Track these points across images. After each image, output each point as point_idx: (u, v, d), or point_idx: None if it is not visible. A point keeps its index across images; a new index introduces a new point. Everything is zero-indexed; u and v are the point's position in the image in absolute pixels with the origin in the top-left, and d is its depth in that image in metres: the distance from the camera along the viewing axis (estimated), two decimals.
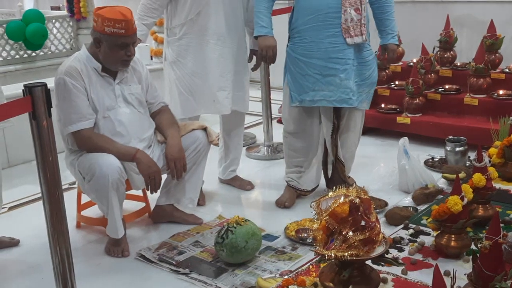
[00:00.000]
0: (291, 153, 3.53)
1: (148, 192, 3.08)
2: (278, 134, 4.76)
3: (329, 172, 3.59)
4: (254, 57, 3.76)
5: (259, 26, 3.29)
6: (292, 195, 3.55)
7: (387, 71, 5.01)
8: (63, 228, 2.30)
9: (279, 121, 5.33)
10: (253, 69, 3.80)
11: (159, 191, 3.06)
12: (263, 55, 3.31)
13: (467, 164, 3.87)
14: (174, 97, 3.52)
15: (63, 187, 2.38)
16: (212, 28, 3.42)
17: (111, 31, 2.84)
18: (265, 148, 4.61)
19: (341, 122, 3.43)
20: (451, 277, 2.19)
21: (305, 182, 3.54)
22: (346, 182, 3.48)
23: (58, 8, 8.10)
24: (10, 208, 3.71)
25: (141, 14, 3.39)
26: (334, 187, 2.25)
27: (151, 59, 5.66)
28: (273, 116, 4.81)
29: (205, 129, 3.25)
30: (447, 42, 4.81)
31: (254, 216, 3.15)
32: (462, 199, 2.64)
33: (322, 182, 3.64)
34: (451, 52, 4.88)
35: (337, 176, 3.53)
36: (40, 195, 2.31)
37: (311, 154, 3.50)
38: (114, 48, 2.88)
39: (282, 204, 3.51)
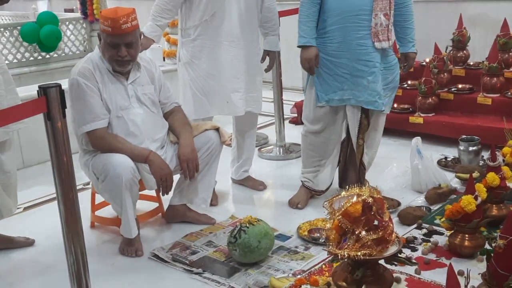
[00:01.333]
0: (310, 153, 3.52)
1: (160, 193, 3.10)
2: (290, 134, 4.78)
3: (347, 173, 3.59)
4: (267, 57, 3.77)
5: (299, 36, 3.27)
6: (306, 196, 3.55)
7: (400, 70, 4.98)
8: (77, 228, 2.33)
9: (291, 122, 5.34)
10: (267, 70, 3.80)
11: (171, 192, 3.08)
12: (302, 67, 3.30)
13: (481, 164, 3.85)
14: (188, 97, 3.53)
15: (78, 187, 2.39)
16: (226, 29, 3.43)
17: (102, 29, 2.89)
18: (278, 148, 4.62)
19: (370, 123, 3.44)
20: (465, 277, 2.17)
21: (320, 182, 3.54)
22: (362, 184, 3.47)
23: (72, 10, 8.14)
24: (25, 209, 3.74)
25: (155, 15, 3.41)
26: (347, 187, 2.24)
27: (164, 60, 5.69)
28: (285, 116, 4.81)
29: (217, 129, 3.26)
30: (460, 41, 4.78)
31: (266, 216, 3.16)
32: (476, 198, 2.63)
33: (334, 181, 3.63)
34: (464, 51, 4.85)
35: (353, 176, 3.53)
36: (54, 195, 2.33)
37: (327, 154, 3.50)
38: (105, 45, 2.92)
39: (295, 204, 3.51)
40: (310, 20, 3.25)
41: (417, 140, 3.64)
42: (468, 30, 4.82)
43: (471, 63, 4.86)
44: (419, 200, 3.41)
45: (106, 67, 2.96)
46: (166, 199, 3.37)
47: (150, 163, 2.92)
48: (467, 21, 4.94)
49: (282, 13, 4.50)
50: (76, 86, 2.88)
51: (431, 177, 3.55)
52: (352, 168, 3.54)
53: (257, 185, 3.87)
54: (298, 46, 3.29)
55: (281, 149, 4.60)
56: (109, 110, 2.95)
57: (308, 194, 3.56)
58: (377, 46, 3.22)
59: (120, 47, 2.89)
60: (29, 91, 4.41)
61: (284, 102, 4.74)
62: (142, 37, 3.11)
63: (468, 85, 4.72)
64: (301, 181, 3.59)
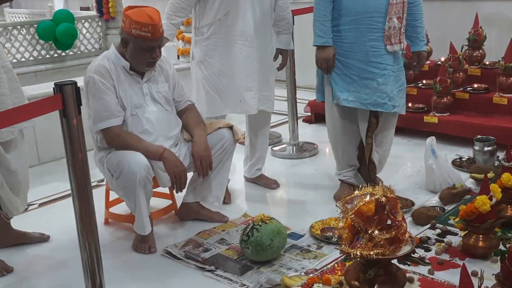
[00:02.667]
0: (342, 153, 3.53)
1: (174, 191, 3.11)
2: (303, 133, 4.78)
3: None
4: (280, 56, 3.78)
5: (316, 35, 3.26)
6: (349, 190, 3.55)
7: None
8: (92, 224, 2.35)
9: (305, 120, 5.34)
10: (279, 69, 3.80)
11: (184, 189, 3.09)
12: (319, 67, 3.30)
13: (496, 164, 3.82)
14: (201, 96, 3.54)
15: (92, 184, 2.41)
16: (240, 28, 3.43)
17: (137, 34, 2.87)
18: (291, 147, 4.62)
19: (379, 122, 3.44)
20: (478, 278, 2.16)
21: (358, 176, 3.57)
22: (375, 182, 3.47)
23: (88, 9, 8.22)
24: (40, 205, 3.78)
25: (169, 13, 3.42)
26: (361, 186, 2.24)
27: (178, 58, 5.71)
28: (298, 115, 4.80)
29: (231, 127, 3.27)
30: (476, 40, 4.75)
31: (279, 215, 3.16)
32: (490, 199, 2.61)
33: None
34: (480, 50, 4.81)
35: (366, 175, 3.52)
36: (69, 192, 2.36)
37: (357, 150, 3.53)
38: (140, 50, 2.91)
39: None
40: (326, 19, 3.24)
41: (431, 139, 3.62)
42: (484, 30, 4.78)
43: (487, 63, 4.83)
44: (433, 200, 3.40)
45: (122, 65, 2.98)
46: (179, 197, 3.39)
47: (164, 160, 2.93)
48: (483, 20, 4.91)
49: (296, 12, 4.50)
50: (92, 83, 2.91)
51: (445, 177, 3.53)
52: (363, 166, 3.53)
53: (270, 184, 3.87)
54: (315, 45, 3.28)
55: (294, 148, 4.60)
56: (124, 108, 2.97)
57: (351, 188, 3.55)
58: (389, 50, 3.23)
59: (155, 49, 2.93)
60: (45, 88, 4.46)
61: (297, 100, 4.74)
62: None
63: (484, 84, 4.69)
64: (341, 179, 3.58)
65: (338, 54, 3.26)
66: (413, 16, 3.33)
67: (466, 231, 2.73)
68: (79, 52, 6.46)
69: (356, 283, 2.17)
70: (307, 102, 5.54)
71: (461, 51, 4.80)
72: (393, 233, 2.08)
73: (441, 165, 3.55)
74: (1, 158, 2.78)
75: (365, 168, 3.53)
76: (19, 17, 8.37)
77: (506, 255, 2.16)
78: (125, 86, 2.98)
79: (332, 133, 3.55)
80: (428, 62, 5.05)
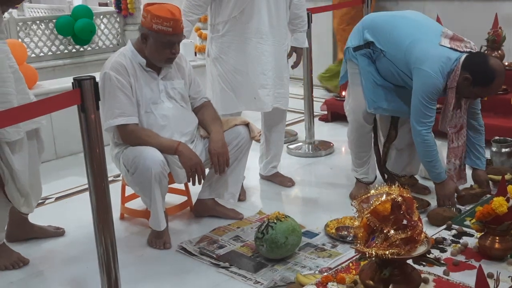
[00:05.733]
0: (362, 154, 3.53)
1: (190, 185, 3.12)
2: (319, 132, 4.76)
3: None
4: (294, 54, 3.77)
5: (435, 173, 3.24)
6: (365, 189, 3.55)
7: None
8: (108, 219, 2.36)
9: (321, 119, 5.32)
10: (293, 67, 3.80)
11: (200, 184, 3.10)
12: (442, 205, 3.26)
13: None
14: (216, 93, 3.55)
15: (108, 179, 2.43)
16: (255, 26, 3.43)
17: (158, 29, 2.88)
18: (307, 145, 4.61)
19: (398, 133, 3.48)
20: (494, 279, 2.15)
21: (371, 174, 3.58)
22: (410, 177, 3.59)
23: (106, 5, 8.25)
24: (57, 199, 3.81)
25: (186, 10, 3.43)
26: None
27: (195, 55, 5.72)
28: (315, 113, 4.79)
29: (247, 124, 3.27)
30: (495, 41, 4.69)
31: (294, 213, 3.15)
32: (507, 200, 2.59)
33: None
34: (499, 51, 4.75)
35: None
36: (86, 186, 2.37)
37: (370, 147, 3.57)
38: (160, 45, 2.92)
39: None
40: (437, 160, 3.21)
41: None
42: (504, 30, 4.73)
43: (506, 63, 4.77)
44: None
45: (139, 61, 2.99)
46: (195, 193, 3.40)
47: (179, 154, 2.94)
48: (502, 21, 4.85)
49: (314, 10, 4.48)
50: (108, 80, 2.92)
51: None
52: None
53: (285, 182, 3.87)
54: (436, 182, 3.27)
55: (310, 146, 4.59)
56: (139, 105, 2.98)
57: (366, 187, 3.55)
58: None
59: (175, 45, 2.94)
60: (64, 83, 4.49)
61: (314, 99, 4.72)
62: None
63: (503, 85, 4.63)
64: (358, 178, 3.59)
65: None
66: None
67: (482, 233, 2.71)
68: (97, 48, 6.49)
69: (371, 282, 2.16)
70: (323, 100, 5.53)
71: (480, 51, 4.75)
72: (409, 233, 2.08)
73: None
74: (8, 157, 2.78)
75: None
76: (38, 12, 8.43)
77: None
78: (141, 83, 3.00)
79: (354, 131, 3.52)
80: None
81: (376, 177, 3.61)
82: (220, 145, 3.07)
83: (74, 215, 3.44)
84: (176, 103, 3.11)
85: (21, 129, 2.78)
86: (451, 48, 3.11)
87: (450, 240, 2.87)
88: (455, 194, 3.26)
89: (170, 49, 2.94)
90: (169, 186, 3.11)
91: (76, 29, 6.12)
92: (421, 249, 2.13)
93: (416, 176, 3.67)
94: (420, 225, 2.14)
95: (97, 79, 2.30)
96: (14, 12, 8.07)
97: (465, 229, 2.96)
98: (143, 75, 3.01)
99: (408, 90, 3.21)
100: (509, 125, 4.26)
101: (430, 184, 3.64)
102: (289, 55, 3.73)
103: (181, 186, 3.43)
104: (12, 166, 2.78)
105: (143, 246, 3.10)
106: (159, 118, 3.03)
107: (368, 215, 2.11)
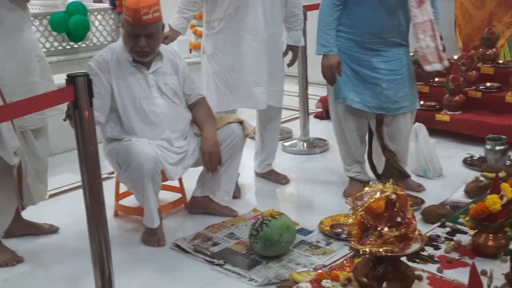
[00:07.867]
0: (348, 149, 3.54)
1: (185, 182, 3.12)
2: (314, 129, 4.76)
3: (379, 168, 3.58)
4: (290, 52, 3.76)
5: (319, 45, 3.26)
6: (358, 187, 3.55)
7: None
8: (101, 216, 2.35)
9: (316, 116, 5.32)
10: (289, 65, 3.79)
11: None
12: (323, 75, 3.29)
13: (507, 163, 3.80)
14: (211, 90, 3.54)
15: (102, 176, 2.42)
16: (250, 23, 3.43)
17: (124, 18, 2.93)
18: (301, 143, 4.61)
19: (385, 118, 3.44)
20: (488, 277, 2.15)
21: (366, 172, 3.59)
22: (402, 172, 3.51)
23: (100, 1, 8.22)
24: (51, 196, 3.76)
25: (181, 7, 3.43)
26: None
27: (190, 52, 5.71)
28: (310, 111, 4.80)
29: (241, 122, 3.27)
30: (490, 39, 4.72)
31: (288, 210, 3.16)
32: (501, 198, 2.59)
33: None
34: (493, 49, 4.78)
35: (390, 168, 3.52)
36: (80, 183, 2.36)
37: (363, 146, 3.55)
38: (126, 35, 2.96)
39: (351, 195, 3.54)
40: (330, 28, 3.23)
41: (418, 125, 3.76)
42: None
43: (500, 62, 4.79)
44: (459, 194, 3.35)
45: (126, 57, 2.99)
46: (189, 190, 3.40)
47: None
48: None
49: (309, 7, 4.47)
50: (87, 69, 2.94)
51: (421, 162, 3.75)
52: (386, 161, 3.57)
53: (280, 179, 3.87)
54: (317, 54, 3.27)
55: (305, 144, 4.59)
56: (123, 102, 2.98)
57: (360, 185, 3.55)
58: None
59: (140, 37, 2.93)
60: (58, 80, 4.46)
61: (309, 96, 4.72)
62: (164, 29, 3.12)
63: (497, 83, 4.65)
64: (350, 176, 3.58)
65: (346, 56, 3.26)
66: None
67: (476, 230, 2.72)
68: (92, 44, 6.46)
69: (365, 279, 2.17)
70: (318, 98, 5.52)
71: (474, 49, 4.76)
72: (403, 230, 2.08)
73: (419, 149, 3.71)
74: (31, 145, 2.84)
75: (386, 162, 3.54)
76: (32, 9, 8.39)
77: None
78: (129, 79, 2.99)
79: (337, 128, 3.54)
80: None
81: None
82: (212, 144, 3.07)
83: (68, 212, 3.43)
84: (168, 99, 3.10)
85: (45, 115, 2.83)
86: None
87: (444, 237, 2.87)
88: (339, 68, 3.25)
89: (135, 41, 2.93)
90: (164, 183, 3.10)
91: (71, 26, 6.09)
92: (415, 247, 2.13)
93: (410, 173, 3.67)
94: (414, 222, 2.14)
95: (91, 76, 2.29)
96: None
97: (459, 226, 2.97)
98: (131, 71, 3.01)
99: (378, 85, 3.25)
100: (503, 123, 4.27)
101: (424, 182, 3.66)
102: (285, 54, 3.72)
103: (176, 183, 3.43)
104: (36, 153, 2.83)
105: (137, 244, 3.09)
106: (149, 114, 3.03)
107: (362, 212, 2.12)
